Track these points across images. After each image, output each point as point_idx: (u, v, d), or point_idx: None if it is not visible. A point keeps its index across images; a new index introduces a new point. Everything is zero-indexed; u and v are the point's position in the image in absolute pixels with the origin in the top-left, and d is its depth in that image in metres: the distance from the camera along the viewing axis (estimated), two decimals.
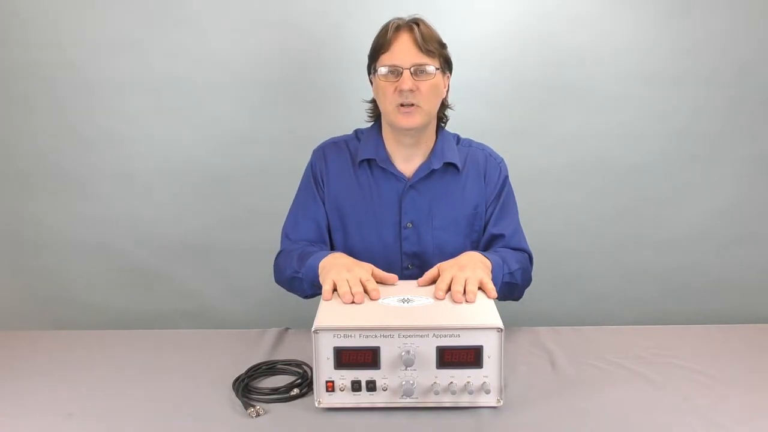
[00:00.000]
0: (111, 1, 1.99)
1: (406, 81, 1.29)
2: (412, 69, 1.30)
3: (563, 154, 2.09)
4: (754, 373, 1.19)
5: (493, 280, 1.24)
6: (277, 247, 1.49)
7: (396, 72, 1.31)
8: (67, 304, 2.18)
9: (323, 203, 1.46)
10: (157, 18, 2.00)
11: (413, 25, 1.32)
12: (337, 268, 1.21)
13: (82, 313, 2.18)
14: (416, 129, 1.35)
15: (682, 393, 1.12)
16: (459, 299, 1.13)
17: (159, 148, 2.09)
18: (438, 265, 1.25)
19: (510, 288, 1.37)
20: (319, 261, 1.28)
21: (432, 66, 1.31)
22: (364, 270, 1.21)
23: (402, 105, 1.32)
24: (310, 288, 1.33)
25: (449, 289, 1.17)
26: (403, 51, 1.31)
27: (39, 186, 2.12)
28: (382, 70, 1.32)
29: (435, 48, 1.32)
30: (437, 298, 1.15)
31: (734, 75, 2.03)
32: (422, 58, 1.31)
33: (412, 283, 1.26)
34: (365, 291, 1.16)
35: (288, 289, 1.43)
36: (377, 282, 1.21)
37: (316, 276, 1.27)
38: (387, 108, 1.35)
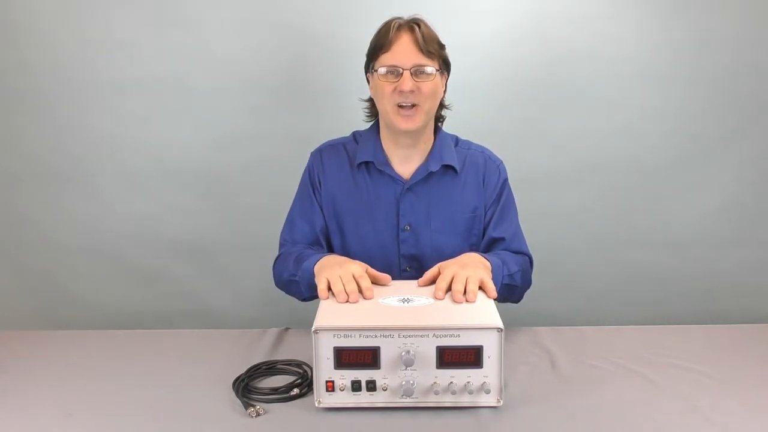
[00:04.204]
0: (111, 1, 1.99)
1: (407, 82, 1.29)
2: (412, 70, 1.30)
3: (563, 154, 2.09)
4: (754, 373, 1.19)
5: (493, 281, 1.24)
6: (277, 247, 1.49)
7: (396, 72, 1.30)
8: (67, 304, 2.18)
9: (320, 207, 1.46)
10: (156, 18, 2.00)
11: (414, 25, 1.32)
12: (330, 267, 1.22)
13: (82, 313, 2.18)
14: (416, 131, 1.35)
15: (682, 393, 1.12)
16: (459, 299, 1.13)
17: (159, 148, 2.09)
18: (438, 264, 1.25)
19: (509, 290, 1.36)
20: (314, 263, 1.28)
21: (432, 67, 1.31)
22: (357, 265, 1.22)
23: (401, 106, 1.32)
24: (307, 290, 1.33)
25: (449, 289, 1.17)
26: (404, 51, 1.30)
27: (39, 186, 2.12)
28: (382, 70, 1.31)
29: (435, 49, 1.32)
30: (437, 299, 1.15)
31: (734, 75, 2.03)
32: (423, 59, 1.30)
33: (413, 283, 1.26)
34: (359, 290, 1.16)
35: (287, 293, 1.43)
36: (371, 281, 1.21)
37: (312, 278, 1.27)
38: (386, 107, 1.34)
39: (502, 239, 1.44)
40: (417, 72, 1.30)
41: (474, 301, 1.13)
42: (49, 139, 2.08)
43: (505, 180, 1.48)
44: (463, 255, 1.28)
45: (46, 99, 2.05)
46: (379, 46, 1.33)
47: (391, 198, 1.42)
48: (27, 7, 1.99)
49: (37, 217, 2.14)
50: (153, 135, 2.08)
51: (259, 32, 2.02)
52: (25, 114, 2.07)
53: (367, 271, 1.22)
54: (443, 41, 1.37)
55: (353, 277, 1.17)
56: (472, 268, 1.20)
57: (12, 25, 2.01)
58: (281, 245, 1.48)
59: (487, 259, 1.29)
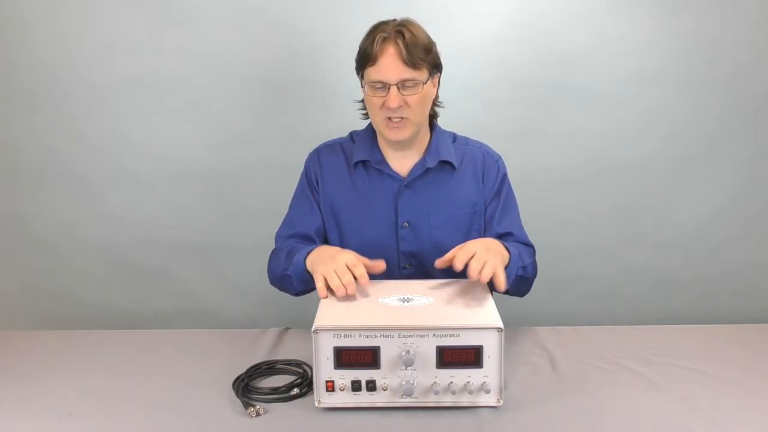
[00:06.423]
0: (112, 1, 1.99)
1: (394, 98, 1.27)
2: (399, 84, 1.28)
3: (562, 154, 2.09)
4: (754, 373, 1.19)
5: (509, 272, 1.23)
6: None
7: (383, 87, 1.29)
8: (67, 304, 2.18)
9: (318, 207, 1.46)
10: (157, 18, 2.00)
11: (399, 35, 1.28)
12: (323, 261, 1.21)
13: (82, 313, 2.18)
14: (406, 140, 1.35)
15: (682, 393, 1.12)
16: (475, 275, 1.12)
17: (159, 148, 2.09)
18: (462, 244, 1.22)
19: (522, 281, 1.36)
20: (305, 256, 1.28)
21: (419, 80, 1.29)
22: (349, 254, 1.21)
23: (390, 119, 1.31)
24: (299, 284, 1.32)
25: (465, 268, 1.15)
26: (390, 66, 1.27)
27: (39, 185, 2.12)
28: (370, 84, 1.30)
29: (421, 58, 1.28)
30: (456, 269, 1.14)
31: (733, 75, 2.03)
32: (409, 73, 1.28)
33: (412, 282, 1.26)
34: (354, 278, 1.16)
35: (280, 289, 1.42)
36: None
37: (304, 272, 1.27)
38: (375, 120, 1.35)
39: (510, 234, 1.44)
40: (404, 85, 1.28)
41: (485, 282, 1.13)
42: (48, 140, 2.08)
43: (505, 175, 1.48)
44: (488, 239, 1.27)
45: (45, 99, 2.05)
46: (365, 57, 1.30)
47: (389, 195, 1.42)
48: (25, 8, 1.99)
49: (37, 217, 2.14)
50: (153, 135, 2.08)
51: (260, 32, 2.02)
52: (24, 114, 2.07)
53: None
54: (437, 39, 1.33)
55: (347, 267, 1.17)
56: (493, 255, 1.19)
57: (9, 25, 2.00)
58: (276, 242, 1.48)
59: (508, 250, 1.28)
